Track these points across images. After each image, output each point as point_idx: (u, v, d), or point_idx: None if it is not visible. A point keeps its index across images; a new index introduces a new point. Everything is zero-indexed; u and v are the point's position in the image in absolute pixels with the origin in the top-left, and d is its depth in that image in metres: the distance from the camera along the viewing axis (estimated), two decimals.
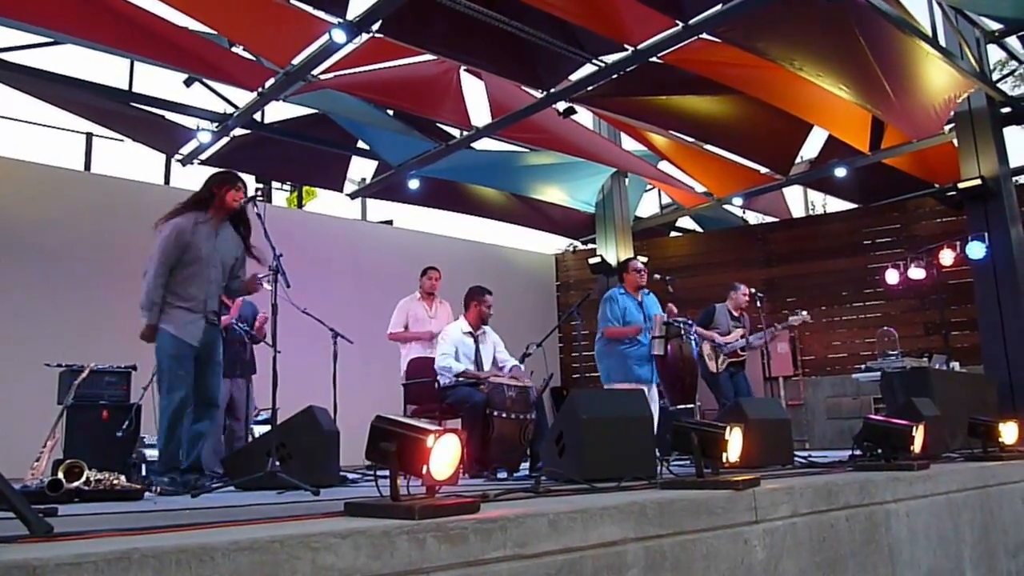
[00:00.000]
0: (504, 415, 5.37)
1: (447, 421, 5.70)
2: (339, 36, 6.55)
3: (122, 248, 8.20)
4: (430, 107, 8.40)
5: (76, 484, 3.44)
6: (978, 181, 8.45)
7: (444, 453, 2.34)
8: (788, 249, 11.96)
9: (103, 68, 8.18)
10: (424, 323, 6.85)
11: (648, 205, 13.42)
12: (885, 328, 9.78)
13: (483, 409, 5.36)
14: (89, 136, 9.48)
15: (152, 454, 5.69)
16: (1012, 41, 9.01)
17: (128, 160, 14.07)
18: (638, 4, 6.21)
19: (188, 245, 4.36)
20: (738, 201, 11.46)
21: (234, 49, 7.45)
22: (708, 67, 7.45)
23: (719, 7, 6.33)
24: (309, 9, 6.41)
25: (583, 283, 12.51)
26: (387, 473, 2.35)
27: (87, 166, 9.41)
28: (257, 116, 8.74)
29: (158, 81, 8.28)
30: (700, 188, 11.35)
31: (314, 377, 6.50)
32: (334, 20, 6.49)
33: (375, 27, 6.58)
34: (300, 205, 13.35)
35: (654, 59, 7.19)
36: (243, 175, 4.82)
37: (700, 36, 6.75)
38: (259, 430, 6.26)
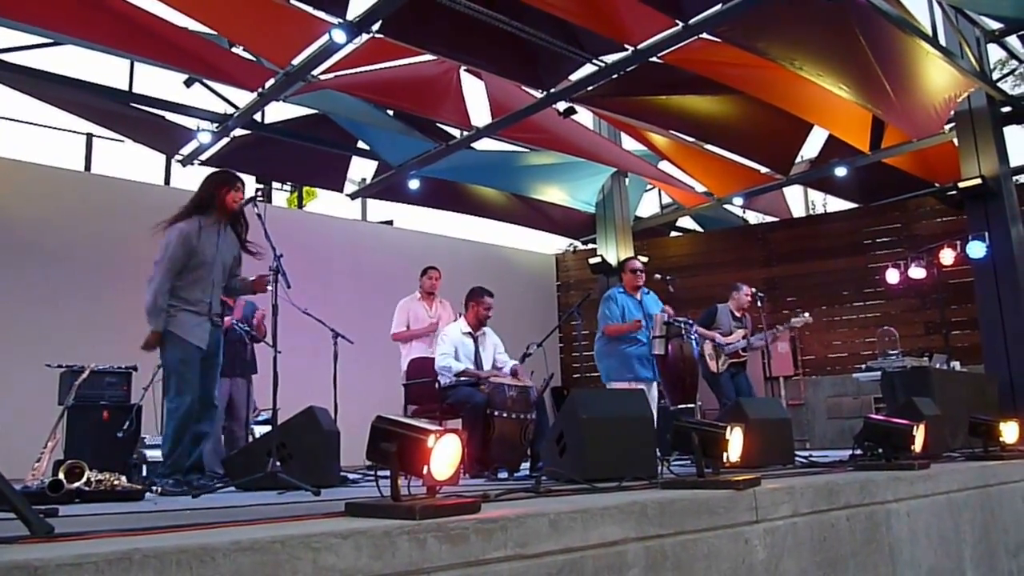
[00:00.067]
0: (505, 415, 5.36)
1: (447, 421, 5.70)
2: (339, 36, 6.55)
3: (122, 249, 8.21)
4: (430, 107, 8.40)
5: (77, 485, 3.44)
6: (978, 180, 8.45)
7: (445, 453, 2.34)
8: (788, 249, 11.96)
9: (103, 69, 8.20)
10: (424, 323, 6.86)
11: (648, 205, 13.45)
12: (886, 327, 9.78)
13: (484, 409, 5.35)
14: (89, 137, 9.49)
15: (152, 454, 5.70)
16: (1012, 40, 9.01)
17: (128, 161, 14.07)
18: (638, 4, 6.21)
19: (194, 250, 4.36)
20: (738, 201, 11.46)
21: (234, 49, 7.45)
22: (708, 67, 7.45)
23: (719, 7, 6.33)
24: (309, 9, 6.42)
25: (583, 283, 12.51)
26: (388, 473, 2.35)
27: (87, 167, 9.41)
28: (257, 116, 8.74)
29: (158, 82, 8.30)
30: (700, 188, 11.35)
31: (314, 377, 6.50)
32: (334, 20, 6.49)
33: (375, 27, 6.58)
34: (300, 205, 13.35)
35: (654, 59, 7.19)
36: (243, 176, 4.82)
37: (700, 36, 6.75)
38: (260, 430, 6.26)
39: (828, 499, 3.51)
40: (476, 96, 8.39)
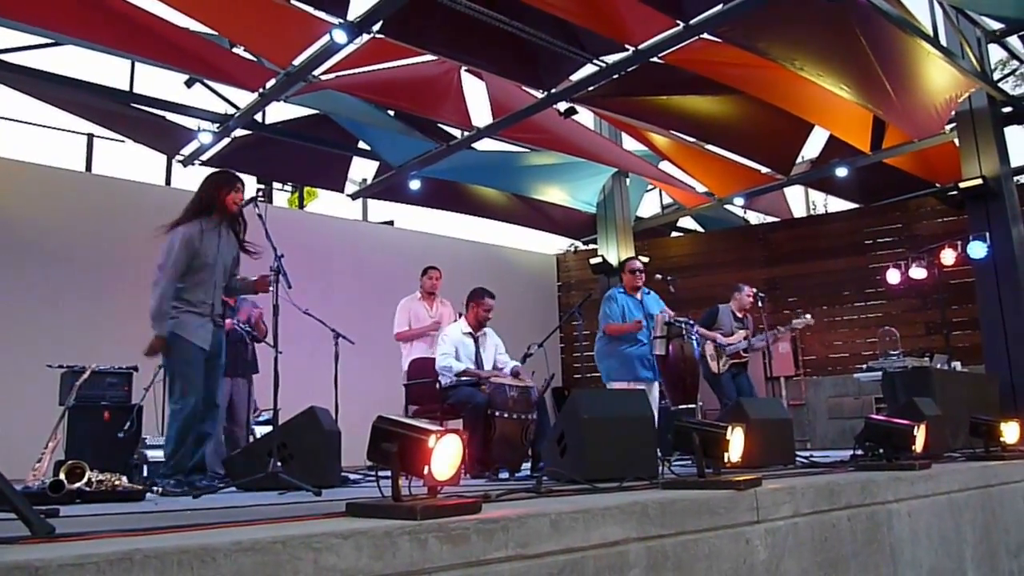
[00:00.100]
0: (506, 415, 5.36)
1: (448, 421, 5.70)
2: (340, 37, 6.55)
3: (123, 249, 8.22)
4: (431, 107, 8.40)
5: (78, 485, 3.44)
6: (979, 181, 8.44)
7: (445, 453, 2.34)
8: (789, 249, 11.96)
9: (104, 69, 8.20)
10: (425, 323, 6.86)
11: (649, 205, 13.44)
12: (886, 328, 9.77)
13: (485, 409, 5.35)
14: (90, 137, 9.49)
15: (153, 455, 5.70)
16: (1013, 40, 9.00)
17: (129, 161, 14.08)
18: (639, 4, 6.21)
19: (196, 252, 4.36)
20: (739, 201, 11.46)
21: (235, 50, 7.45)
22: (709, 67, 7.45)
23: (720, 7, 6.33)
24: (310, 10, 6.42)
25: (584, 283, 12.51)
26: (389, 473, 2.35)
27: (88, 167, 9.41)
28: (258, 117, 8.75)
29: (159, 82, 8.30)
30: (701, 188, 11.36)
31: (315, 377, 6.50)
32: (335, 21, 6.49)
33: (376, 27, 6.58)
34: (301, 206, 13.35)
35: (655, 59, 7.19)
36: (244, 176, 4.82)
37: (701, 36, 6.75)
38: (260, 430, 6.26)
39: (829, 499, 3.50)
40: (477, 96, 8.40)
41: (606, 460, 3.70)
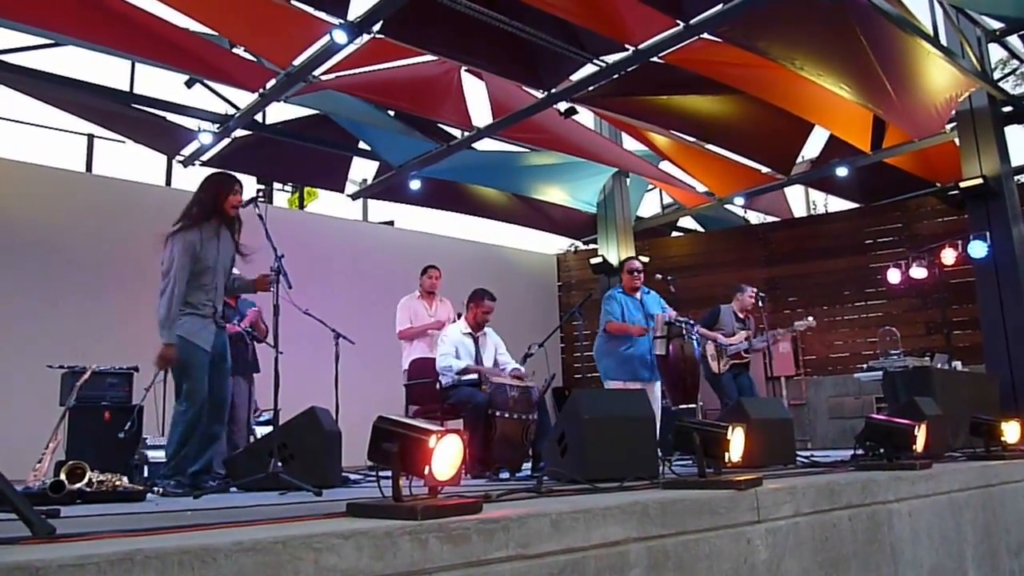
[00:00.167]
0: (506, 415, 5.36)
1: (448, 421, 5.70)
2: (340, 37, 6.55)
3: (124, 249, 8.22)
4: (431, 107, 8.40)
5: (78, 485, 3.44)
6: (980, 180, 8.44)
7: (446, 453, 2.34)
8: (790, 249, 11.96)
9: (104, 69, 8.20)
10: (425, 321, 6.86)
11: (649, 205, 13.44)
12: (887, 327, 9.78)
13: (485, 409, 5.36)
14: (90, 137, 9.49)
15: (154, 455, 5.70)
16: (1013, 40, 9.00)
17: (129, 161, 14.08)
18: (639, 4, 6.20)
19: (198, 257, 4.35)
20: (739, 201, 11.46)
21: (235, 50, 7.45)
22: (709, 67, 7.45)
23: (720, 7, 6.33)
24: (310, 10, 6.42)
25: (585, 283, 12.51)
26: (389, 474, 2.35)
27: (88, 167, 9.41)
28: (258, 117, 8.75)
29: (159, 82, 8.30)
30: (701, 188, 11.35)
31: (316, 378, 6.50)
32: (335, 21, 6.49)
33: (376, 28, 6.58)
34: (301, 206, 13.35)
35: (655, 59, 7.19)
36: (244, 176, 4.82)
37: (701, 36, 6.74)
38: (261, 431, 6.26)
39: (830, 499, 3.50)
40: (477, 96, 8.40)
41: (607, 460, 3.70)
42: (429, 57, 7.41)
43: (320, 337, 6.59)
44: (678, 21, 6.59)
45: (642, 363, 6.42)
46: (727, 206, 11.98)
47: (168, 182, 9.87)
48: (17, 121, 9.14)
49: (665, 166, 10.73)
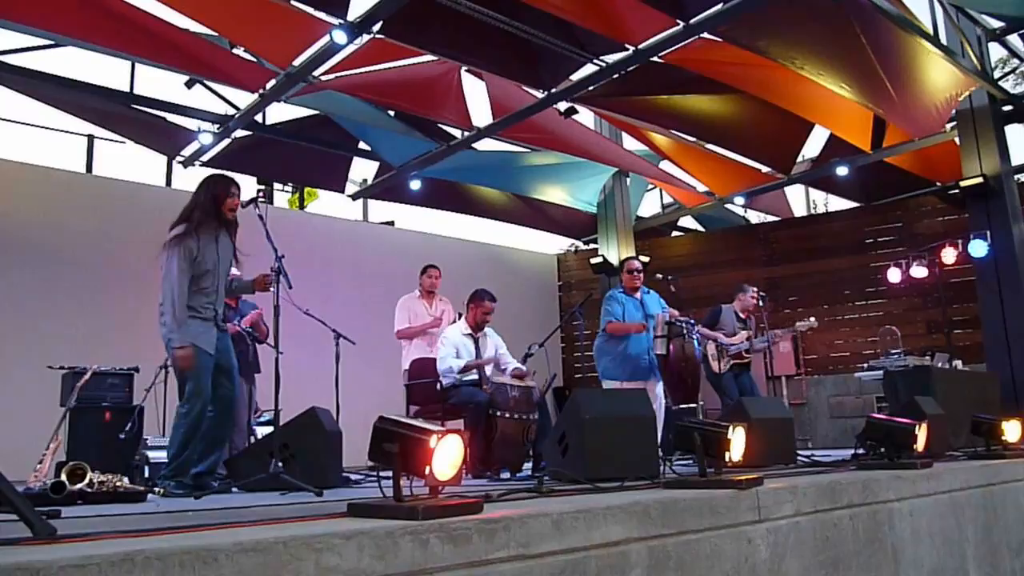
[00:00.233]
0: (507, 415, 5.36)
1: (448, 421, 5.69)
2: (340, 37, 6.55)
3: (124, 250, 8.23)
4: (431, 108, 8.41)
5: (79, 486, 3.44)
6: (980, 179, 8.44)
7: (447, 453, 2.34)
8: (790, 248, 11.95)
9: (104, 70, 8.21)
10: (425, 320, 6.85)
11: (650, 205, 13.44)
12: (887, 327, 9.77)
13: (486, 409, 5.35)
14: (90, 138, 9.49)
15: (155, 456, 5.70)
16: (1013, 39, 8.99)
17: (129, 162, 14.11)
18: (639, 4, 6.20)
19: (196, 261, 4.34)
20: (740, 200, 11.45)
21: (235, 50, 7.45)
22: (709, 66, 7.45)
23: (720, 6, 6.33)
24: (310, 10, 6.42)
25: (585, 283, 12.50)
26: (390, 474, 2.35)
27: (88, 168, 9.41)
28: (258, 117, 8.75)
29: (159, 83, 8.31)
30: (702, 187, 11.35)
31: (316, 378, 6.51)
32: (335, 21, 6.49)
33: (376, 28, 6.58)
34: (302, 206, 13.34)
35: (655, 59, 7.19)
36: (245, 177, 4.82)
37: (701, 35, 6.74)
38: (262, 431, 6.27)
39: (831, 498, 3.50)
40: (477, 96, 8.40)
41: (607, 460, 3.70)
42: (429, 57, 7.41)
43: (321, 337, 6.59)
44: (678, 21, 6.59)
45: (639, 362, 6.42)
46: (727, 206, 11.98)
47: (168, 183, 9.87)
48: (17, 122, 9.15)
49: (665, 166, 10.72)
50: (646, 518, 2.63)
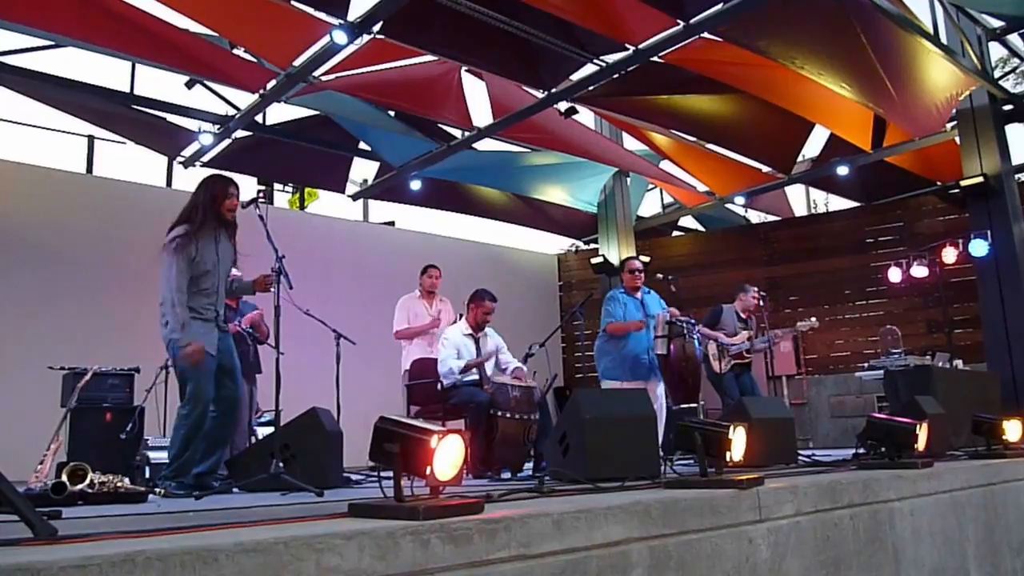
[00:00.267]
0: (508, 415, 5.36)
1: (449, 421, 5.69)
2: (340, 37, 6.55)
3: (125, 250, 8.23)
4: (432, 108, 8.41)
5: (80, 487, 3.44)
6: (980, 179, 8.44)
7: (447, 454, 2.34)
8: (791, 248, 11.95)
9: (104, 71, 8.21)
10: (424, 321, 6.86)
11: (650, 204, 13.44)
12: (888, 326, 9.76)
13: (487, 409, 5.35)
14: (91, 139, 9.49)
15: (155, 456, 5.70)
16: (1014, 38, 8.99)
17: (130, 162, 14.08)
18: (639, 3, 6.20)
19: (194, 261, 4.34)
20: (740, 200, 11.44)
21: (235, 51, 7.45)
22: (709, 66, 7.45)
23: (720, 6, 6.33)
24: (310, 10, 6.42)
25: (585, 283, 12.50)
26: (391, 474, 2.35)
27: (89, 169, 9.41)
28: (259, 118, 8.75)
29: (159, 83, 8.31)
30: (702, 187, 11.35)
31: (317, 378, 6.51)
32: (335, 21, 6.49)
33: (376, 28, 6.58)
34: (302, 207, 13.34)
35: (655, 58, 7.19)
36: (245, 177, 4.82)
37: (701, 35, 6.74)
38: (263, 431, 6.27)
39: (831, 498, 3.50)
40: (477, 96, 8.40)
41: (608, 460, 3.70)
42: (429, 57, 7.41)
43: (321, 338, 6.59)
44: (678, 20, 6.59)
45: (639, 361, 6.42)
46: (728, 205, 11.97)
47: (169, 183, 9.87)
48: (17, 123, 9.15)
49: (666, 165, 10.72)
50: (647, 518, 2.63)
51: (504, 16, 6.60)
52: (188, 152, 9.32)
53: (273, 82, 7.51)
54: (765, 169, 10.39)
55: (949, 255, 9.52)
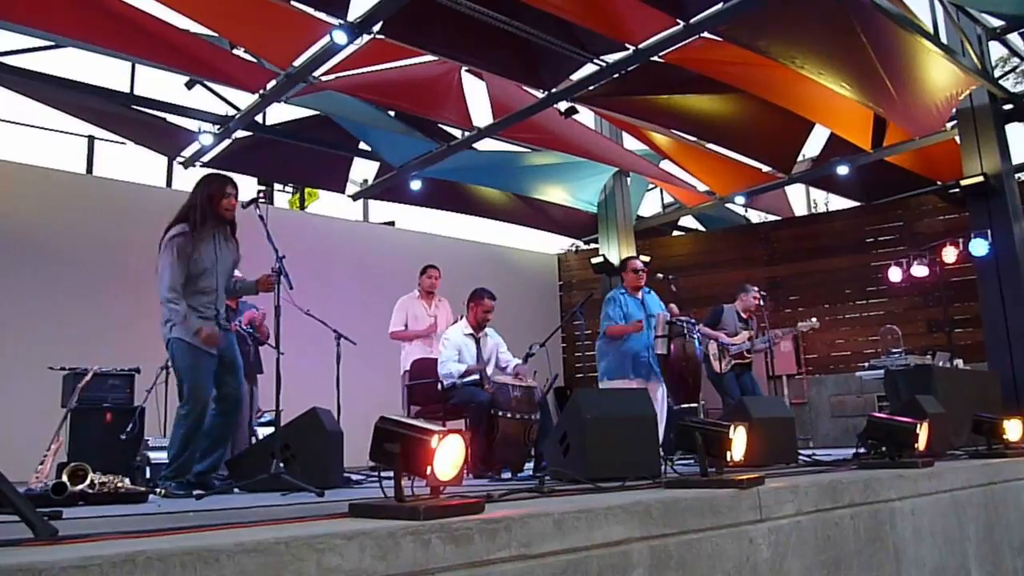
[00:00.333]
0: (509, 415, 5.36)
1: (449, 421, 5.69)
2: (340, 37, 6.55)
3: (125, 251, 8.23)
4: (432, 108, 8.41)
5: (80, 487, 3.44)
6: (980, 178, 8.44)
7: (448, 453, 2.34)
8: (791, 247, 11.95)
9: (104, 71, 8.21)
10: (423, 321, 6.86)
11: (650, 204, 13.44)
12: (888, 326, 9.77)
13: (488, 409, 5.35)
14: (91, 139, 9.49)
15: (156, 456, 5.71)
16: (1014, 38, 8.99)
17: (130, 163, 14.10)
18: (639, 3, 6.20)
19: (192, 260, 4.33)
20: (740, 200, 11.44)
21: (235, 51, 7.45)
22: (709, 66, 7.45)
23: (720, 6, 6.33)
24: (310, 11, 6.42)
25: (586, 283, 12.50)
26: (391, 474, 2.35)
27: (89, 169, 9.41)
28: (259, 118, 8.75)
29: (159, 84, 8.31)
30: (702, 187, 11.35)
31: (317, 378, 6.51)
32: (335, 21, 6.49)
33: (376, 28, 6.58)
34: (302, 207, 13.35)
35: (655, 58, 7.19)
36: (245, 177, 4.82)
37: (701, 35, 6.74)
38: (263, 431, 6.27)
39: (832, 498, 3.50)
40: (477, 96, 8.40)
41: (609, 460, 3.70)
42: (429, 57, 7.41)
43: (321, 338, 6.59)
44: (678, 20, 6.59)
45: (638, 360, 6.42)
46: (728, 205, 11.97)
47: (169, 183, 9.87)
48: (17, 123, 9.16)
49: (666, 165, 10.72)
50: (647, 518, 2.63)
51: (504, 16, 6.60)
52: (188, 152, 9.32)
53: (273, 82, 7.51)
54: (765, 169, 10.39)
55: (949, 255, 9.53)
